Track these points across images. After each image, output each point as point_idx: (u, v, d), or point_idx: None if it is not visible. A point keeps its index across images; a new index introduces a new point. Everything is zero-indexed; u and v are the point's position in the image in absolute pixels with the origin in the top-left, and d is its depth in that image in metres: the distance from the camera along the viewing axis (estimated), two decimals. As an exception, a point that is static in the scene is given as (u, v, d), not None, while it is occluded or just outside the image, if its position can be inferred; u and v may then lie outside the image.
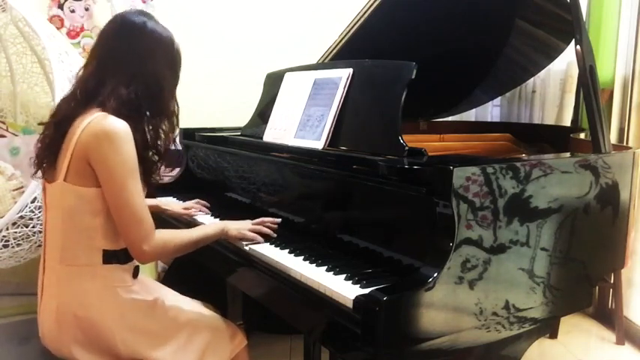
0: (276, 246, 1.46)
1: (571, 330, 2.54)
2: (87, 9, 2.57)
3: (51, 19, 2.53)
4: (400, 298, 1.06)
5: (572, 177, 1.40)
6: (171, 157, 2.40)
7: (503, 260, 1.22)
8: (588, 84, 1.59)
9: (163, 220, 1.81)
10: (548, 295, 1.33)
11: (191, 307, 1.50)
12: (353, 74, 1.58)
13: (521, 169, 1.25)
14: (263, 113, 1.94)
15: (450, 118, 2.60)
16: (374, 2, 1.88)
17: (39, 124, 1.49)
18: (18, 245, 2.02)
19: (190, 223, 1.77)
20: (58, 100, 1.53)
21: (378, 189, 1.31)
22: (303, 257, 1.36)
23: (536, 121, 2.87)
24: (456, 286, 1.13)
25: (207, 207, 1.85)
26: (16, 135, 2.46)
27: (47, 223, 1.38)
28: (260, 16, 2.93)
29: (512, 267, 1.24)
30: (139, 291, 1.38)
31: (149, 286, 1.45)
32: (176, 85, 1.44)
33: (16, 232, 1.99)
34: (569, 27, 1.62)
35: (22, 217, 1.97)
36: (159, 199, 1.95)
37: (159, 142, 1.39)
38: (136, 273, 1.41)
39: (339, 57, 1.99)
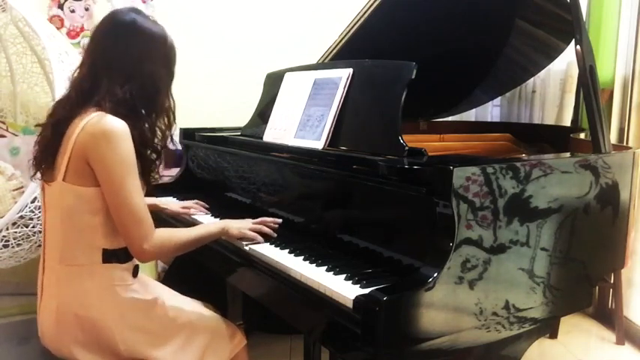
0: (276, 246, 1.46)
1: (571, 330, 2.54)
2: (87, 9, 2.57)
3: (51, 19, 2.53)
4: (400, 298, 1.06)
5: (572, 177, 1.40)
6: (170, 156, 2.40)
7: (503, 260, 1.22)
8: (588, 84, 1.59)
9: (163, 219, 1.81)
10: (548, 295, 1.33)
11: (191, 307, 1.50)
12: (353, 74, 1.58)
13: (521, 169, 1.25)
14: (263, 113, 1.94)
15: (450, 118, 2.60)
16: (374, 2, 1.88)
17: (36, 125, 1.49)
18: (18, 245, 2.02)
19: (190, 222, 1.77)
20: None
21: (378, 189, 1.31)
22: (303, 257, 1.36)
23: (536, 121, 2.87)
24: (456, 286, 1.13)
25: (206, 207, 1.84)
26: (16, 135, 2.46)
27: (46, 223, 1.38)
28: (260, 16, 2.93)
29: (512, 267, 1.24)
30: (139, 290, 1.38)
31: (149, 286, 1.45)
32: (171, 81, 1.43)
33: (16, 232, 1.99)
34: (569, 27, 1.62)
35: (22, 217, 1.97)
36: (158, 198, 1.95)
37: (156, 140, 1.39)
38: (135, 272, 1.40)
39: (339, 57, 1.99)
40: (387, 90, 1.48)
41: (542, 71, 2.51)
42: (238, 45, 2.91)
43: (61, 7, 2.57)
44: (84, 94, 1.33)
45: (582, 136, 2.07)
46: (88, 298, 1.32)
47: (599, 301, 2.71)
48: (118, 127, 1.26)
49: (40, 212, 1.98)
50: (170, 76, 1.43)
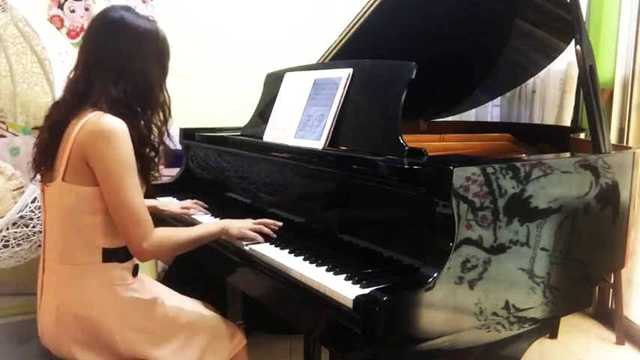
0: (276, 246, 1.46)
1: (571, 330, 2.54)
2: (87, 9, 2.57)
3: (51, 19, 2.53)
4: (400, 298, 1.06)
5: (572, 177, 1.40)
6: (169, 154, 2.40)
7: (504, 260, 1.22)
8: (588, 84, 1.59)
9: (163, 219, 1.81)
10: (548, 295, 1.33)
11: (191, 306, 1.50)
12: (353, 74, 1.58)
13: (521, 169, 1.25)
14: (263, 113, 1.94)
15: (450, 118, 2.60)
16: (374, 2, 1.88)
17: (33, 128, 1.49)
18: (18, 245, 2.02)
19: (190, 222, 1.76)
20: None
21: (378, 189, 1.31)
22: (303, 257, 1.36)
23: (536, 121, 2.87)
24: (456, 286, 1.13)
25: (205, 207, 1.84)
26: (16, 135, 2.46)
27: (46, 223, 1.38)
28: (260, 16, 2.93)
29: (512, 267, 1.24)
30: (139, 290, 1.38)
31: (149, 285, 1.45)
32: (164, 77, 1.42)
33: (16, 232, 1.99)
34: (569, 27, 1.62)
35: (22, 217, 1.97)
36: (158, 199, 1.95)
37: (153, 137, 1.39)
38: (135, 271, 1.40)
39: (339, 57, 1.99)
40: (387, 90, 1.48)
41: (542, 71, 2.51)
42: (238, 45, 2.91)
43: (61, 7, 2.57)
44: (79, 95, 1.32)
45: (582, 136, 2.07)
46: (88, 298, 1.32)
47: (599, 301, 2.71)
48: (117, 126, 1.26)
49: (40, 212, 1.98)
50: (163, 71, 1.41)
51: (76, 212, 1.30)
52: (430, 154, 1.37)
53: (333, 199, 1.49)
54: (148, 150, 1.37)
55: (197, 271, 1.87)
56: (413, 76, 1.42)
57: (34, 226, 2.00)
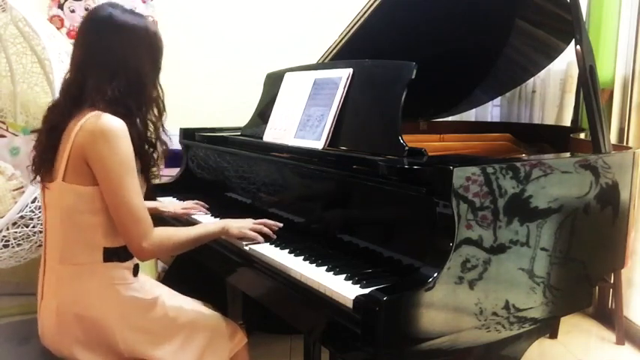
0: (276, 246, 1.46)
1: (571, 330, 2.54)
2: (87, 9, 2.57)
3: (51, 19, 2.53)
4: (400, 298, 1.06)
5: (572, 177, 1.40)
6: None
7: (503, 260, 1.22)
8: (588, 84, 1.59)
9: (163, 219, 1.81)
10: (548, 295, 1.33)
11: (191, 306, 1.50)
12: (353, 74, 1.58)
13: (521, 169, 1.25)
14: (263, 113, 1.94)
15: (450, 118, 2.60)
16: (374, 2, 1.88)
17: (32, 131, 1.48)
18: (18, 245, 2.02)
19: (190, 222, 1.76)
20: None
21: (378, 189, 1.31)
22: (303, 257, 1.36)
23: (536, 121, 2.87)
24: (456, 286, 1.13)
25: (205, 207, 1.84)
26: (16, 135, 2.46)
27: (47, 224, 1.38)
28: (260, 16, 2.93)
29: (512, 267, 1.24)
30: (139, 289, 1.38)
31: (149, 285, 1.45)
32: (157, 72, 1.41)
33: (16, 232, 1.99)
34: (569, 27, 1.62)
35: (22, 217, 1.97)
36: (158, 199, 1.95)
37: (149, 133, 1.38)
38: (136, 271, 1.41)
39: (339, 57, 1.99)
40: (387, 90, 1.48)
41: (542, 71, 2.51)
42: (238, 45, 2.91)
43: (61, 7, 2.57)
44: (74, 96, 1.32)
45: (582, 136, 2.07)
46: (88, 298, 1.32)
47: (599, 301, 2.71)
48: (116, 126, 1.26)
49: (40, 212, 1.99)
50: (155, 65, 1.40)
51: (76, 212, 1.30)
52: (430, 154, 1.37)
53: (333, 199, 1.49)
54: (147, 147, 1.37)
55: (197, 271, 1.87)
56: (413, 76, 1.42)
57: (34, 226, 2.00)
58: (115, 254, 1.34)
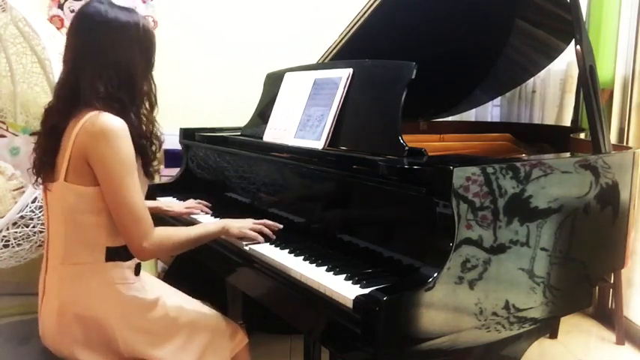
0: (276, 246, 1.46)
1: (571, 330, 2.54)
2: (87, 9, 2.57)
3: (51, 19, 2.53)
4: (400, 298, 1.06)
5: (572, 177, 1.40)
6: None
7: (503, 260, 1.22)
8: (588, 84, 1.59)
9: (163, 219, 1.81)
10: (548, 295, 1.33)
11: (192, 306, 1.50)
12: (353, 74, 1.58)
13: (521, 169, 1.25)
14: (263, 113, 1.94)
15: (450, 118, 2.60)
16: (374, 2, 1.88)
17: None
18: (18, 245, 2.02)
19: (190, 222, 1.76)
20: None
21: (378, 189, 1.32)
22: (303, 257, 1.36)
23: (536, 121, 2.87)
24: (456, 286, 1.13)
25: (208, 207, 1.84)
26: (16, 135, 2.46)
27: (49, 224, 1.38)
28: (260, 16, 2.93)
29: (512, 267, 1.24)
30: (141, 289, 1.38)
31: (151, 284, 1.46)
32: (149, 66, 1.40)
33: (16, 232, 1.99)
34: (569, 27, 1.62)
35: (22, 217, 1.97)
36: (158, 199, 1.95)
37: (143, 126, 1.37)
38: (137, 270, 1.41)
39: (339, 57, 1.99)
40: (387, 90, 1.48)
41: (542, 71, 2.51)
42: (238, 45, 2.91)
43: (61, 7, 2.57)
44: (68, 97, 1.32)
45: (582, 136, 2.07)
46: (89, 298, 1.32)
47: (599, 301, 2.71)
48: (116, 125, 1.26)
49: (40, 212, 1.99)
50: (147, 60, 1.39)
51: (78, 212, 1.30)
52: (430, 154, 1.37)
53: (333, 199, 1.49)
54: (144, 141, 1.37)
55: (197, 270, 1.87)
56: (413, 76, 1.42)
57: (34, 226, 2.00)
58: (117, 254, 1.34)
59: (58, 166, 1.32)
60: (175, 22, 2.80)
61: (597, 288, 2.64)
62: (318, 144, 1.56)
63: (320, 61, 2.06)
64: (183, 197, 1.95)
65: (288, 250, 1.41)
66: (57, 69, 1.93)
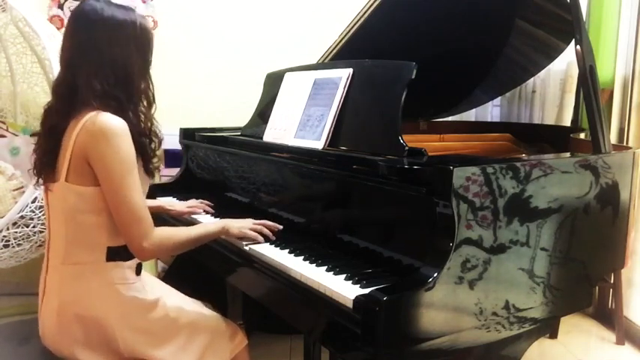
0: (276, 246, 1.46)
1: (571, 330, 2.54)
2: (87, 9, 2.57)
3: (51, 19, 2.53)
4: (400, 298, 1.06)
5: (572, 177, 1.40)
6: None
7: (504, 260, 1.22)
8: (588, 84, 1.59)
9: (163, 219, 1.81)
10: (548, 295, 1.33)
11: (192, 307, 1.50)
12: (353, 74, 1.58)
13: (521, 169, 1.25)
14: (263, 113, 1.94)
15: (450, 118, 2.60)
16: (374, 2, 1.88)
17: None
18: (19, 245, 2.02)
19: (190, 222, 1.76)
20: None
21: (378, 189, 1.32)
22: (303, 257, 1.36)
23: (536, 121, 2.87)
24: (456, 286, 1.13)
25: (210, 206, 1.84)
26: (16, 135, 2.46)
27: (50, 224, 1.38)
28: (260, 16, 2.93)
29: (512, 267, 1.24)
30: (141, 289, 1.38)
31: (151, 285, 1.45)
32: (145, 64, 1.39)
33: (16, 232, 1.99)
34: (569, 27, 1.62)
35: (22, 217, 1.97)
36: (158, 199, 1.95)
37: (141, 124, 1.37)
38: (138, 270, 1.41)
39: (339, 57, 1.99)
40: (387, 90, 1.48)
41: (542, 71, 2.51)
42: (238, 45, 2.91)
43: (61, 7, 2.57)
44: (66, 96, 1.31)
45: (582, 136, 2.07)
46: (89, 298, 1.32)
47: (599, 301, 2.71)
48: (116, 125, 1.26)
49: (40, 212, 1.99)
50: (143, 58, 1.38)
51: (79, 212, 1.30)
52: (430, 154, 1.37)
53: (333, 199, 1.49)
54: (144, 139, 1.37)
55: (197, 270, 1.87)
56: (413, 76, 1.42)
57: (34, 226, 2.00)
58: (118, 253, 1.34)
59: (58, 167, 1.32)
60: (175, 22, 2.80)
61: (597, 288, 2.64)
62: (318, 144, 1.56)
63: (320, 61, 2.06)
64: (183, 197, 1.95)
65: (288, 250, 1.41)
66: (57, 69, 1.92)
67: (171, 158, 2.57)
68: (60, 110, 1.33)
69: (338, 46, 2.00)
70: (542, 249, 1.30)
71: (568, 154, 1.71)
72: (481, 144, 2.00)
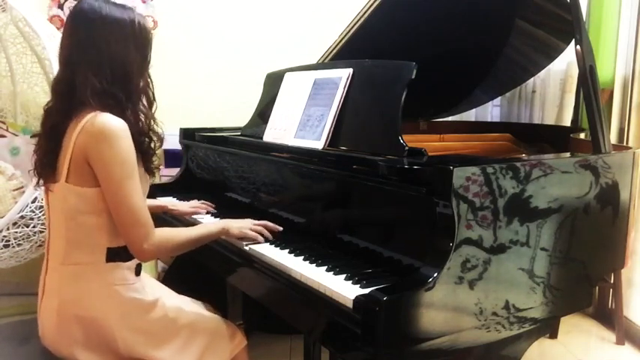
0: (276, 246, 1.46)
1: (571, 330, 2.54)
2: (87, 9, 2.57)
3: (51, 19, 2.53)
4: (400, 298, 1.06)
5: (572, 177, 1.40)
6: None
7: (503, 260, 1.22)
8: (588, 84, 1.59)
9: (163, 219, 1.81)
10: (548, 295, 1.33)
11: (191, 307, 1.50)
12: (353, 74, 1.58)
13: (521, 169, 1.25)
14: (263, 113, 1.94)
15: (450, 118, 2.60)
16: (374, 2, 1.88)
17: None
18: (19, 245, 2.02)
19: (190, 222, 1.76)
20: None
21: (378, 189, 1.32)
22: (303, 257, 1.36)
23: (536, 121, 2.87)
24: (456, 286, 1.13)
25: (212, 207, 1.84)
26: (16, 135, 2.46)
27: (50, 224, 1.38)
28: (260, 16, 2.93)
29: (512, 267, 1.24)
30: (140, 290, 1.38)
31: (151, 286, 1.45)
32: (144, 63, 1.39)
33: (16, 232, 1.99)
34: (569, 27, 1.62)
35: (22, 217, 1.97)
36: (159, 199, 1.95)
37: (140, 123, 1.37)
38: (138, 270, 1.40)
39: (339, 57, 1.99)
40: (387, 90, 1.48)
41: (542, 71, 2.51)
42: (238, 45, 2.91)
43: (61, 7, 2.57)
44: (65, 95, 1.31)
45: (582, 136, 2.07)
46: (89, 299, 1.32)
47: (599, 301, 2.71)
48: (116, 126, 1.26)
49: (40, 212, 1.99)
50: (142, 56, 1.37)
51: (79, 213, 1.30)
52: (430, 154, 1.37)
53: (333, 199, 1.49)
54: (144, 138, 1.37)
55: (197, 271, 1.87)
56: (413, 76, 1.42)
57: (34, 226, 2.00)
58: (118, 254, 1.34)
59: (59, 168, 1.32)
60: (175, 22, 2.80)
61: (597, 288, 2.64)
62: (318, 144, 1.56)
63: (320, 61, 2.06)
64: (183, 197, 1.95)
65: (288, 250, 1.41)
66: (57, 69, 1.93)
67: (171, 158, 2.57)
68: (60, 109, 1.33)
69: (338, 46, 2.00)
70: (542, 249, 1.30)
71: (568, 154, 1.71)
72: (481, 144, 2.00)
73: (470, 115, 2.86)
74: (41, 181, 1.38)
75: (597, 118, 1.58)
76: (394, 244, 1.30)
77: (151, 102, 1.41)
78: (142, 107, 1.38)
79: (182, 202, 1.89)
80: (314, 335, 1.49)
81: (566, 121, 2.77)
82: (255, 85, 2.06)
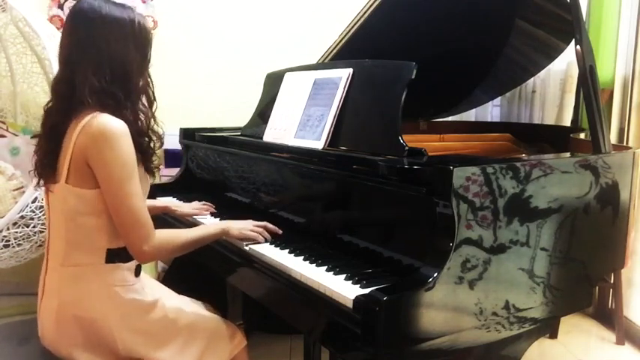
0: (276, 246, 1.46)
1: (571, 330, 2.54)
2: (87, 9, 2.57)
3: (51, 19, 2.53)
4: (400, 298, 1.06)
5: (572, 177, 1.40)
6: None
7: (504, 260, 1.22)
8: (588, 84, 1.59)
9: (163, 219, 1.81)
10: (548, 295, 1.33)
11: (191, 308, 1.50)
12: (353, 74, 1.58)
13: (521, 169, 1.25)
14: (263, 113, 1.94)
15: (450, 118, 2.60)
16: (374, 2, 1.88)
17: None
18: (19, 245, 2.02)
19: (190, 223, 1.76)
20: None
21: (378, 189, 1.32)
22: (303, 257, 1.36)
23: (536, 121, 2.87)
24: (456, 286, 1.13)
25: (213, 208, 1.84)
26: (16, 135, 2.46)
27: (50, 225, 1.38)
28: (260, 16, 2.93)
29: (512, 267, 1.24)
30: (140, 291, 1.38)
31: (150, 286, 1.45)
32: (144, 62, 1.38)
33: (16, 232, 1.99)
34: (569, 27, 1.62)
35: (22, 217, 1.97)
36: (159, 199, 1.95)
37: (140, 123, 1.37)
38: (138, 271, 1.40)
39: (339, 57, 1.99)
40: (387, 90, 1.48)
41: (542, 71, 2.51)
42: (238, 45, 2.91)
43: (61, 7, 2.57)
44: (65, 95, 1.31)
45: (582, 136, 2.07)
46: (88, 299, 1.31)
47: (599, 301, 2.71)
48: (116, 127, 1.26)
49: (40, 212, 1.99)
50: (142, 55, 1.37)
51: (79, 214, 1.30)
52: (430, 154, 1.37)
53: (333, 199, 1.49)
54: (143, 138, 1.36)
55: (197, 271, 1.87)
56: (413, 76, 1.42)
57: (34, 226, 2.00)
58: (118, 255, 1.34)
59: (59, 168, 1.31)
60: (175, 22, 2.80)
61: (597, 288, 2.64)
62: (318, 144, 1.56)
63: (320, 61, 2.06)
64: (183, 197, 1.95)
65: (288, 250, 1.41)
66: (57, 68, 1.93)
67: (171, 158, 2.57)
68: (59, 109, 1.32)
69: (338, 46, 2.00)
70: (542, 249, 1.30)
71: (568, 154, 1.71)
72: (481, 144, 2.00)
73: (470, 115, 2.86)
74: (41, 182, 1.37)
75: (597, 118, 1.58)
76: (394, 244, 1.30)
77: (151, 101, 1.41)
78: (141, 107, 1.38)
79: (184, 203, 1.89)
80: (314, 335, 1.49)
81: (566, 121, 2.77)
82: (255, 85, 2.06)
